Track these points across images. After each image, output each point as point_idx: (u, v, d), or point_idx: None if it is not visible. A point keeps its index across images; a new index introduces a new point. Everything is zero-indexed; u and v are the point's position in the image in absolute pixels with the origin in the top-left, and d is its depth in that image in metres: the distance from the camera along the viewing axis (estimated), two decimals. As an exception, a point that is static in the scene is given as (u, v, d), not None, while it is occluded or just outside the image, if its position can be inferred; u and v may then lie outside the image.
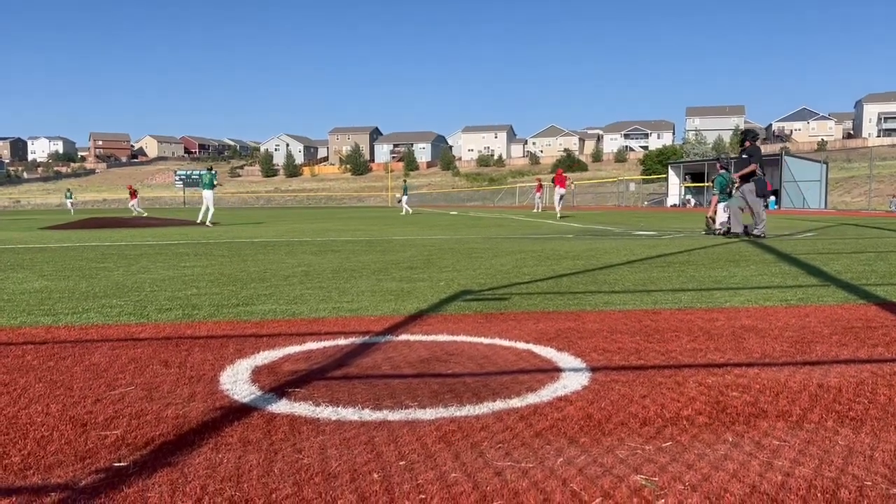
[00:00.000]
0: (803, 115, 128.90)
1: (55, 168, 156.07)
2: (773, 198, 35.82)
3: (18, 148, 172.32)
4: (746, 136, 12.81)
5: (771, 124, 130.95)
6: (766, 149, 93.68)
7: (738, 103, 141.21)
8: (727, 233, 12.88)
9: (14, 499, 1.68)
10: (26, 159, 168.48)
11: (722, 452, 1.97)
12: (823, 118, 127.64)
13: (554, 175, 27.89)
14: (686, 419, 2.27)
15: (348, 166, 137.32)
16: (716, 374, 2.86)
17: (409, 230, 15.63)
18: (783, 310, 4.43)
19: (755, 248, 9.52)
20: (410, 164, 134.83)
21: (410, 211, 34.93)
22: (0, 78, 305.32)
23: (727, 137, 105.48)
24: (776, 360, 3.10)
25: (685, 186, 46.20)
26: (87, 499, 1.67)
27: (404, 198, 35.97)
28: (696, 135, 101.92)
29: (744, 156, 12.59)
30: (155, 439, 2.09)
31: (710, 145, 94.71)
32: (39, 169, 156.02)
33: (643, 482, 1.77)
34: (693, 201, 45.11)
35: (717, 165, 15.86)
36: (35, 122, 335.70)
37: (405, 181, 39.64)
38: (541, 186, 37.41)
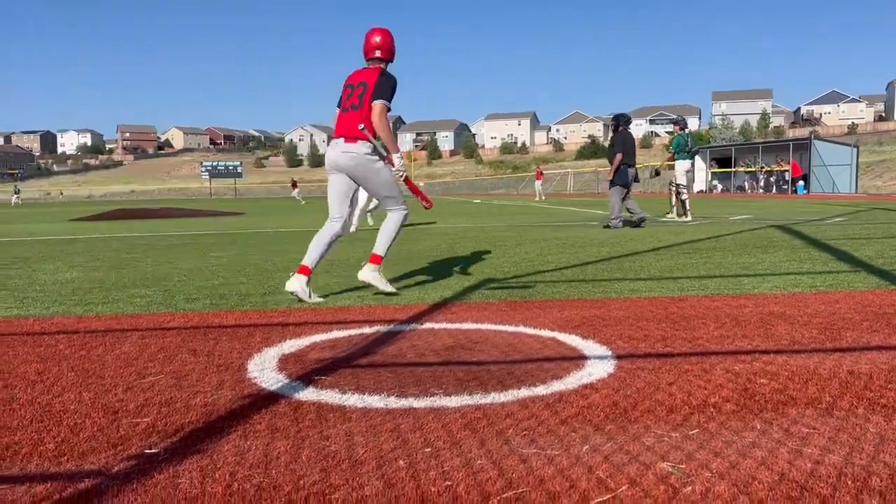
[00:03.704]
0: (833, 97, 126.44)
1: (84, 160, 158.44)
2: (802, 182, 35.27)
3: (48, 141, 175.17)
4: (619, 122, 12.00)
5: (799, 108, 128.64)
6: (795, 133, 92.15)
7: (766, 87, 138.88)
8: (636, 223, 11.63)
9: (49, 484, 1.71)
10: (56, 152, 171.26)
11: (750, 440, 1.96)
12: (854, 101, 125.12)
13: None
14: (713, 406, 2.26)
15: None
16: (743, 361, 2.83)
17: (431, 219, 15.64)
18: (812, 296, 4.37)
19: (784, 233, 9.39)
20: (433, 152, 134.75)
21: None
22: (30, 73, 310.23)
23: (754, 122, 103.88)
24: (805, 347, 3.06)
25: (711, 172, 45.64)
26: (120, 485, 1.70)
27: None
28: (723, 120, 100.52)
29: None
30: (184, 426, 2.13)
31: (737, 130, 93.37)
32: (69, 161, 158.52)
33: (670, 469, 1.76)
34: (720, 187, 44.57)
35: (677, 127, 14.68)
36: (64, 116, 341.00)
37: None
38: (541, 174, 39.84)
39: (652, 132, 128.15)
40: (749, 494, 1.61)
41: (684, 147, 13.86)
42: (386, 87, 4.59)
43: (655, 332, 3.38)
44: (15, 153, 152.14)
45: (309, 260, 4.64)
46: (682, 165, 13.81)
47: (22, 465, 1.85)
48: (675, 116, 15.94)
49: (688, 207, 13.51)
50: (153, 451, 1.93)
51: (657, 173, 16.70)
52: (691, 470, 1.75)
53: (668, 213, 14.34)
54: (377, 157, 4.72)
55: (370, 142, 4.63)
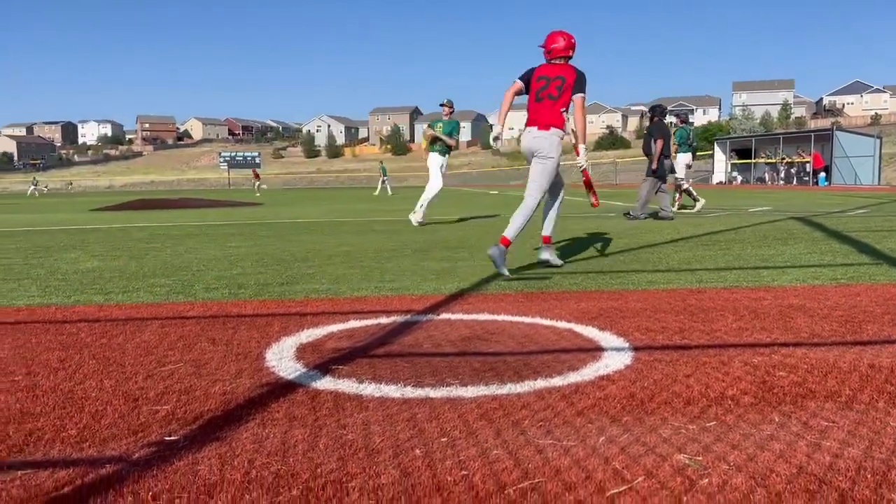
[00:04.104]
0: (856, 88, 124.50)
1: (104, 151, 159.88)
2: (823, 174, 34.83)
3: (69, 132, 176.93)
4: (655, 112, 12.03)
5: (822, 98, 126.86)
6: (817, 123, 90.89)
7: (787, 77, 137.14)
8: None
9: (72, 470, 1.74)
10: (77, 143, 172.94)
11: (768, 433, 1.95)
12: (878, 91, 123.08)
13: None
14: (731, 399, 2.24)
15: (389, 146, 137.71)
16: (762, 353, 2.81)
17: (449, 210, 15.63)
18: (833, 289, 4.32)
19: (804, 225, 9.29)
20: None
21: (390, 191, 35.03)
22: (51, 64, 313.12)
23: (775, 113, 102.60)
24: (825, 340, 3.03)
25: (731, 163, 45.18)
26: (141, 471, 1.73)
27: (384, 179, 36.40)
28: (743, 110, 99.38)
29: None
30: (204, 414, 2.15)
31: (758, 121, 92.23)
32: (89, 152, 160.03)
33: (687, 461, 1.75)
34: (740, 178, 44.13)
35: (678, 120, 14.73)
36: (84, 106, 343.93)
37: (381, 163, 40.28)
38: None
39: (671, 123, 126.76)
40: (767, 487, 1.60)
41: (686, 140, 13.91)
42: (584, 82, 5.21)
43: (673, 324, 3.36)
44: (37, 143, 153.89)
45: (547, 230, 5.47)
46: (683, 158, 13.77)
47: (45, 450, 1.88)
48: (679, 112, 15.90)
49: (694, 195, 13.44)
50: (173, 438, 1.95)
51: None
52: (708, 462, 1.75)
53: (669, 209, 14.27)
54: (560, 150, 5.28)
55: (563, 131, 5.22)
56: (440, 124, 10.66)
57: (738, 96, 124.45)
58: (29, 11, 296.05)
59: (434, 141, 10.66)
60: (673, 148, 14.08)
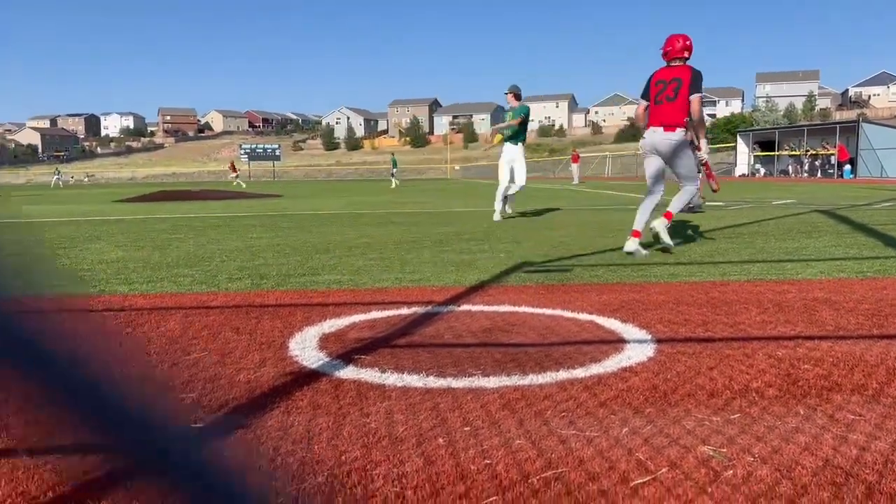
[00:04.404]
0: (882, 79, 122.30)
1: (127, 143, 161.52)
2: (848, 166, 34.32)
3: (92, 124, 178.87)
4: None
5: (847, 89, 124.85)
6: (843, 115, 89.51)
7: (812, 68, 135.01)
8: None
9: (101, 454, 1.77)
10: (100, 135, 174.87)
11: (793, 425, 1.93)
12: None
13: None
14: (755, 391, 2.23)
15: (408, 139, 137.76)
16: (786, 346, 2.79)
17: (468, 202, 15.62)
18: (859, 282, 4.27)
19: (829, 218, 9.17)
20: (469, 135, 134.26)
21: (398, 184, 34.94)
22: (75, 57, 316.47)
23: (800, 104, 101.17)
24: (851, 334, 3.00)
25: (754, 156, 44.66)
26: (168, 456, 1.75)
27: (394, 171, 36.38)
28: (767, 102, 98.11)
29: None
30: (229, 402, 2.18)
31: (781, 113, 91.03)
32: (112, 144, 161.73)
33: (711, 453, 1.75)
34: (763, 171, 43.63)
35: None
36: (107, 99, 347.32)
37: (393, 155, 40.11)
38: (577, 157, 38.94)
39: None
40: (792, 479, 1.60)
41: None
42: (700, 82, 5.63)
43: (696, 317, 3.34)
44: (61, 136, 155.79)
45: (639, 225, 5.71)
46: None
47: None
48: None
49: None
50: (199, 425, 1.98)
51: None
52: (732, 454, 1.74)
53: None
54: (689, 143, 5.79)
55: (686, 129, 5.68)
56: (509, 115, 10.07)
57: (761, 87, 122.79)
58: (53, 4, 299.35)
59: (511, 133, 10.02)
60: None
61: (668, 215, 5.78)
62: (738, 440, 1.83)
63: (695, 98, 5.58)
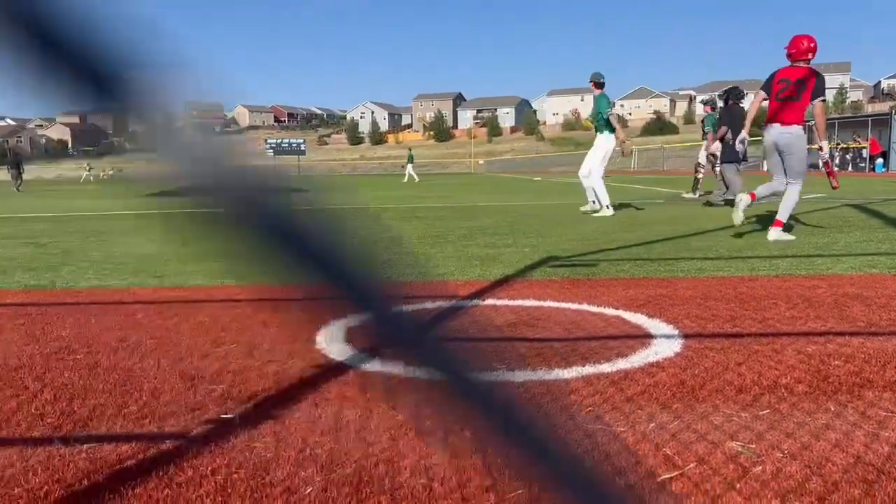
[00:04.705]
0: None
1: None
2: (881, 160, 33.67)
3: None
4: (729, 96, 11.59)
5: (880, 81, 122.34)
6: (875, 107, 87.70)
7: (843, 60, 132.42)
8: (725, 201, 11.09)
9: (134, 444, 1.81)
10: (128, 129, 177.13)
11: (823, 422, 1.91)
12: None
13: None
14: (784, 388, 2.21)
15: (431, 133, 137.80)
16: (816, 342, 2.75)
17: (492, 197, 15.60)
18: (891, 277, 4.19)
19: (860, 213, 9.01)
20: (493, 129, 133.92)
21: (416, 178, 34.91)
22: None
23: (831, 97, 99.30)
24: (883, 330, 2.95)
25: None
26: (199, 447, 1.78)
27: (409, 165, 36.32)
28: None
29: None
30: (258, 394, 2.21)
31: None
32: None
33: (739, 449, 1.74)
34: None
35: (707, 107, 14.04)
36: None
37: (410, 150, 40.04)
38: None
39: (721, 108, 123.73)
40: (822, 476, 1.58)
41: (715, 127, 13.89)
42: (823, 86, 5.98)
43: (724, 312, 3.31)
44: (91, 131, 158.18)
45: (781, 215, 6.14)
46: (715, 146, 13.73)
47: (108, 425, 1.96)
48: (707, 97, 15.72)
49: (698, 186, 13.51)
50: (229, 416, 2.01)
51: (715, 157, 16.53)
52: (761, 450, 1.73)
53: (724, 194, 14.19)
54: (805, 140, 6.22)
55: (803, 127, 6.06)
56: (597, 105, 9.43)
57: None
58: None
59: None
60: (710, 136, 14.01)
61: (777, 223, 6.14)
62: (767, 436, 1.82)
63: (818, 103, 5.94)
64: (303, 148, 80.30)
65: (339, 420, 1.97)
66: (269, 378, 2.37)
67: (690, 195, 13.44)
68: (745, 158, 11.82)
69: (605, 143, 9.39)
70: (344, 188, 24.34)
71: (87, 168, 57.62)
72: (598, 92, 9.43)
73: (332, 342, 2.84)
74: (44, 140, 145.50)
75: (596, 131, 9.54)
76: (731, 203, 10.65)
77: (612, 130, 9.35)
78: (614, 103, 9.64)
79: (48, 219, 10.52)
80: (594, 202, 9.49)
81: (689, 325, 3.06)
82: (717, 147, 13.62)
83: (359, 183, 33.28)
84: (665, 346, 2.73)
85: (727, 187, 13.62)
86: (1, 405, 2.12)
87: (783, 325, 3.07)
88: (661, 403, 2.08)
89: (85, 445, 1.80)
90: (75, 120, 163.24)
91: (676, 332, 2.96)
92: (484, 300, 3.72)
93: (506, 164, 79.44)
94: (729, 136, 11.20)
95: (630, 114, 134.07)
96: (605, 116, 9.30)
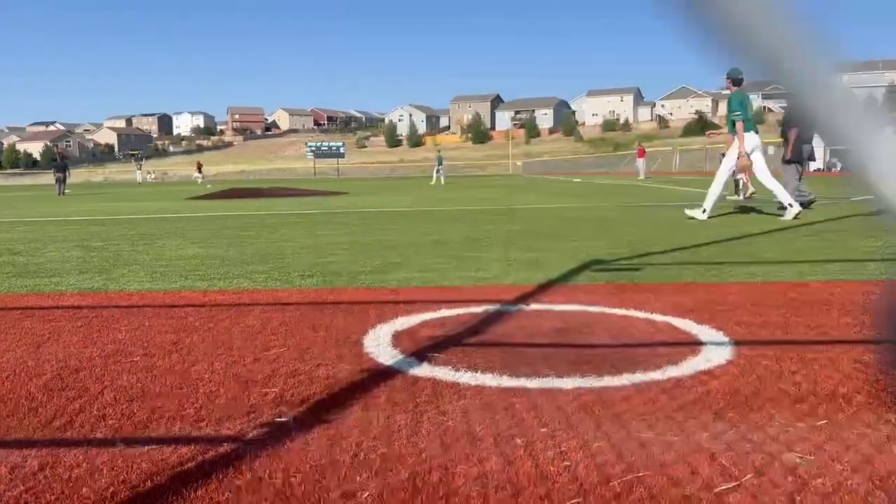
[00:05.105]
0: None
1: (197, 142, 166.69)
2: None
3: (165, 123, 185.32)
4: None
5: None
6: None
7: (894, 57, 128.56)
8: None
9: (193, 447, 1.85)
10: (171, 134, 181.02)
11: (885, 433, 1.87)
12: None
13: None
14: (843, 398, 2.16)
15: (469, 135, 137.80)
16: (874, 351, 2.68)
17: (532, 199, 15.54)
18: (950, 283, 4.07)
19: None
20: (531, 130, 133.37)
21: (443, 182, 34.77)
22: (149, 59, 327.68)
23: (880, 95, 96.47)
24: (943, 338, 2.86)
25: (830, 149, 42.96)
26: (256, 450, 1.82)
27: (439, 168, 36.17)
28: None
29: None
30: (310, 397, 2.24)
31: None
32: (183, 143, 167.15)
33: (798, 460, 1.71)
34: (839, 165, 41.90)
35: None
36: (179, 99, 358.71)
37: (440, 152, 39.90)
38: (643, 152, 37.66)
39: (764, 107, 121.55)
40: (886, 490, 1.54)
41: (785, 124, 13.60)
42: None
43: (775, 319, 3.25)
44: (136, 135, 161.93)
45: None
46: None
47: (167, 428, 2.00)
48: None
49: (741, 187, 13.27)
50: (283, 419, 2.05)
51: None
52: (821, 462, 1.69)
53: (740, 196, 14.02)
54: None
55: None
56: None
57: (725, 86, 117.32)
58: (131, 10, 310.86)
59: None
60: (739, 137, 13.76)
61: None
62: (827, 448, 1.78)
63: None
64: (342, 151, 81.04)
65: (390, 425, 1.98)
66: (320, 382, 2.40)
67: (735, 197, 13.25)
68: (811, 158, 11.40)
69: (750, 142, 8.72)
70: (383, 190, 24.49)
71: (148, 172, 58.52)
72: (733, 89, 8.80)
73: (379, 346, 2.87)
74: (91, 144, 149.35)
75: (730, 131, 8.93)
76: (807, 204, 10.23)
77: (752, 129, 8.75)
78: (752, 103, 8.97)
79: (97, 222, 10.81)
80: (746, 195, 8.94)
81: (740, 332, 3.01)
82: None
83: (398, 185, 33.44)
84: (716, 353, 2.69)
85: (737, 189, 13.31)
86: (65, 406, 2.19)
87: (838, 332, 3.00)
88: (715, 412, 2.05)
89: (146, 447, 1.85)
90: (122, 125, 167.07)
91: (727, 338, 2.91)
92: (529, 305, 3.71)
93: (544, 166, 79.06)
94: (790, 135, 10.75)
95: (671, 114, 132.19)
96: (736, 118, 8.72)
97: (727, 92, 9.05)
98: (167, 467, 1.72)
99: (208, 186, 37.84)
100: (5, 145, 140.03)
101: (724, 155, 11.15)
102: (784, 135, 11.10)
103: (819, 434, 1.88)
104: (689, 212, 9.03)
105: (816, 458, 1.72)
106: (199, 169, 48.30)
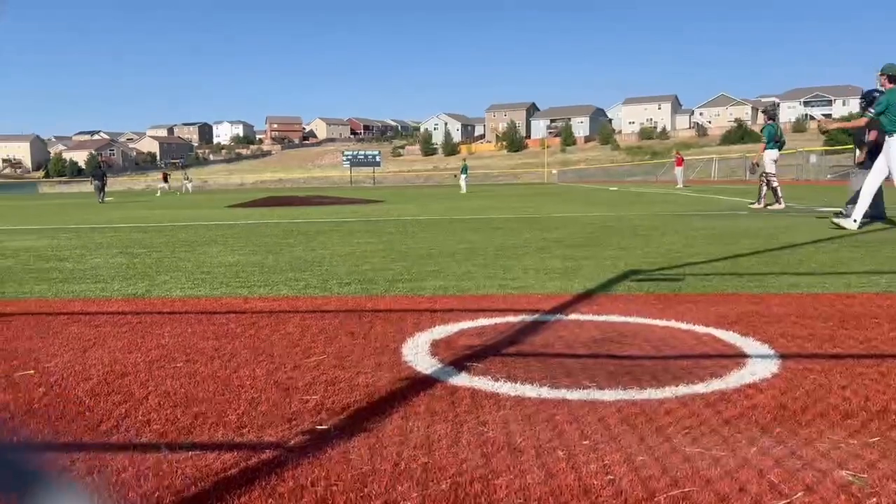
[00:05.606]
0: None
1: (236, 150, 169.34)
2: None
3: (205, 132, 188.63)
4: (867, 100, 9.66)
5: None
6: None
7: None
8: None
9: (236, 453, 1.87)
10: (212, 143, 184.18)
11: (942, 453, 1.80)
12: None
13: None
14: (895, 414, 2.09)
15: (504, 143, 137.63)
16: (927, 366, 2.60)
17: (567, 207, 15.44)
18: None
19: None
20: (567, 138, 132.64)
21: (464, 189, 34.69)
22: (189, 69, 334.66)
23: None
24: None
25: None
26: (298, 458, 1.83)
27: (463, 177, 36.13)
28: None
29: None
30: (350, 405, 2.25)
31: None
32: (223, 151, 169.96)
33: (850, 478, 1.66)
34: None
35: (765, 117, 14.31)
36: (219, 108, 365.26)
37: (465, 161, 39.75)
38: (681, 160, 37.03)
39: (806, 115, 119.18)
40: (945, 512, 1.49)
41: (773, 137, 13.95)
42: None
43: (822, 331, 3.17)
44: (177, 144, 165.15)
45: None
46: (770, 154, 13.92)
47: (210, 433, 2.03)
48: (766, 106, 15.63)
49: (780, 194, 13.32)
50: (324, 427, 2.05)
51: (756, 165, 16.04)
52: (875, 480, 1.64)
53: (752, 204, 14.05)
54: None
55: None
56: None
57: (879, 84, 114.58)
58: (174, 23, 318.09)
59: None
60: (761, 147, 14.09)
61: None
62: (880, 465, 1.73)
63: None
64: (378, 159, 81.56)
65: (430, 434, 1.98)
66: (360, 390, 2.41)
67: (776, 206, 13.07)
68: None
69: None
70: (418, 198, 24.58)
71: (186, 177, 59.42)
72: (889, 86, 8.16)
73: (417, 354, 2.87)
74: (134, 153, 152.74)
75: (886, 133, 8.28)
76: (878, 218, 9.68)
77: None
78: None
79: (139, 229, 11.03)
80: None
81: (786, 345, 2.95)
82: (771, 157, 13.59)
83: (434, 193, 33.53)
84: (761, 366, 2.63)
85: (768, 195, 13.21)
86: (111, 411, 2.23)
87: (888, 346, 2.92)
88: (762, 427, 2.01)
89: (190, 453, 1.87)
90: (164, 133, 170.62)
91: (772, 351, 2.85)
92: (567, 315, 3.68)
93: (579, 174, 78.54)
94: (868, 136, 10.12)
95: (709, 122, 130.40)
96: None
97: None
98: (211, 473, 1.74)
99: (179, 194, 38.00)
100: (52, 154, 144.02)
101: (755, 163, 10.68)
102: (857, 143, 10.54)
103: (872, 451, 1.82)
104: (836, 220, 8.40)
105: (870, 476, 1.67)
106: (165, 179, 49.02)
